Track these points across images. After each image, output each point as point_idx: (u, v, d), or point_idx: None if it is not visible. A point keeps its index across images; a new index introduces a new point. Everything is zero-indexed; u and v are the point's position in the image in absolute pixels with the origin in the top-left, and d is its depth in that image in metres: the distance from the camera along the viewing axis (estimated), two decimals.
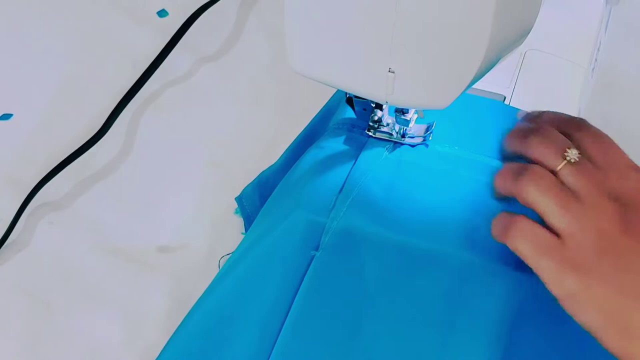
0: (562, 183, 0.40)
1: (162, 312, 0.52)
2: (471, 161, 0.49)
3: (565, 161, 0.40)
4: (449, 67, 0.39)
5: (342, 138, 0.51)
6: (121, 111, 0.60)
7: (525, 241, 0.39)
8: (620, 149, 0.41)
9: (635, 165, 0.41)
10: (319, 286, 0.44)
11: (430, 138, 0.50)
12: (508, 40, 0.40)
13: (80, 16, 0.67)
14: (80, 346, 0.50)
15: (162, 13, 0.66)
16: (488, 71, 0.41)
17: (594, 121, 0.53)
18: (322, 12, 0.40)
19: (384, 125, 0.50)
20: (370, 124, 0.50)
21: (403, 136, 0.50)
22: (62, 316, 0.52)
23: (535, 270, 0.39)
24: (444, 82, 0.39)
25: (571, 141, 0.41)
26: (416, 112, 0.49)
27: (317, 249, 0.45)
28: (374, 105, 0.48)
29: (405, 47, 0.39)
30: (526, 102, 0.53)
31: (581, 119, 0.43)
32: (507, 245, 0.40)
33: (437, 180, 0.48)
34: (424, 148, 0.50)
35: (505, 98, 0.54)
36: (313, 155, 0.50)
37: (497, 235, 0.41)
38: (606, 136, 0.42)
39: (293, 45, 0.42)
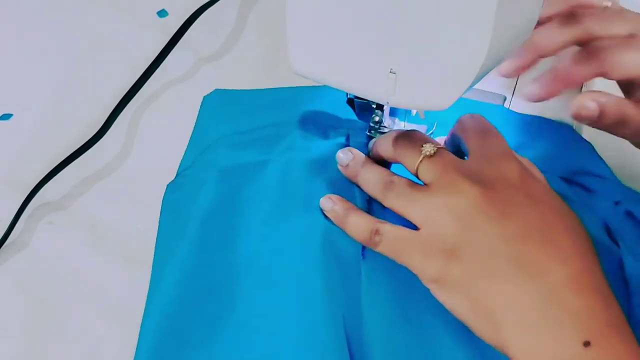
0: (423, 180, 0.41)
1: None
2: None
3: (422, 156, 0.41)
4: (450, 68, 0.39)
5: (317, 136, 0.51)
6: (121, 111, 0.60)
7: (386, 243, 0.41)
8: (502, 138, 0.42)
9: (511, 153, 0.41)
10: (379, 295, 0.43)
11: None
12: (509, 41, 0.40)
13: (80, 16, 0.67)
14: (80, 346, 0.50)
15: (162, 13, 0.66)
16: (489, 72, 0.41)
17: None
18: (324, 13, 0.40)
19: (384, 127, 0.50)
20: (371, 124, 0.50)
21: None
22: (62, 316, 0.52)
23: (406, 266, 0.40)
24: (445, 83, 0.39)
25: (458, 134, 0.43)
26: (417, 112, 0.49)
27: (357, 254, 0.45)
28: (374, 106, 0.48)
29: (407, 47, 0.39)
30: (527, 102, 0.53)
31: (475, 114, 0.44)
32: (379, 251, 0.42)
33: None
34: None
35: (505, 98, 0.54)
36: (294, 156, 0.50)
37: (366, 244, 0.43)
38: (488, 125, 0.43)
39: (294, 46, 0.42)
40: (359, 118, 0.50)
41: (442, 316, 0.42)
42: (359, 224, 0.42)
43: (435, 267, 0.39)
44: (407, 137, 0.43)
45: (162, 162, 0.55)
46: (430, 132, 0.50)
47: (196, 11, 0.64)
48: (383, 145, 0.45)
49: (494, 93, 0.54)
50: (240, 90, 0.56)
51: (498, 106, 0.53)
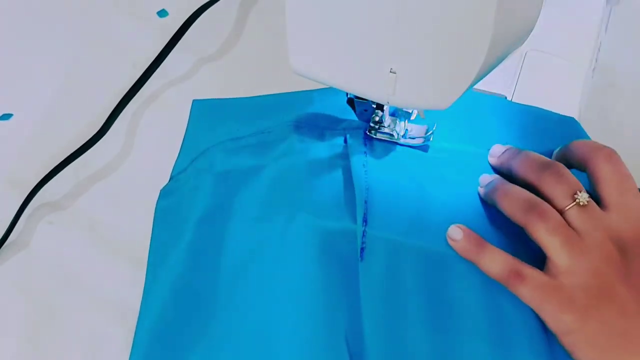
0: (568, 223, 0.41)
1: None
2: (471, 157, 0.49)
3: (574, 203, 0.41)
4: (450, 68, 0.39)
5: (313, 139, 0.51)
6: (121, 111, 0.60)
7: (529, 288, 0.41)
8: (636, 190, 0.42)
9: None
10: (378, 298, 0.43)
11: (431, 139, 0.50)
12: (509, 40, 0.40)
13: (80, 16, 0.67)
14: (80, 346, 0.50)
15: (162, 13, 0.66)
16: (489, 72, 0.41)
17: (594, 121, 0.53)
18: (324, 13, 0.40)
19: (385, 127, 0.50)
20: (371, 124, 0.50)
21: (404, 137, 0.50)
22: (62, 316, 0.52)
23: (536, 311, 0.41)
24: (445, 83, 0.39)
25: (590, 172, 0.43)
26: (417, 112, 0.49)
27: (344, 256, 0.44)
28: (374, 106, 0.48)
29: (407, 47, 0.39)
30: (527, 102, 0.53)
31: (610, 152, 0.43)
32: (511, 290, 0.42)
33: (443, 182, 0.48)
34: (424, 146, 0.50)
35: (505, 98, 0.54)
36: (291, 159, 0.50)
37: (500, 281, 0.42)
38: (627, 176, 0.43)
39: (294, 46, 0.42)
40: (358, 118, 0.50)
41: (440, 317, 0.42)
42: (497, 262, 0.42)
43: (571, 321, 0.40)
44: (561, 175, 0.43)
45: (162, 162, 0.55)
46: (430, 132, 0.50)
47: (196, 11, 0.64)
48: (527, 167, 0.44)
49: (494, 93, 0.54)
50: (232, 98, 0.56)
51: (501, 98, 0.53)
